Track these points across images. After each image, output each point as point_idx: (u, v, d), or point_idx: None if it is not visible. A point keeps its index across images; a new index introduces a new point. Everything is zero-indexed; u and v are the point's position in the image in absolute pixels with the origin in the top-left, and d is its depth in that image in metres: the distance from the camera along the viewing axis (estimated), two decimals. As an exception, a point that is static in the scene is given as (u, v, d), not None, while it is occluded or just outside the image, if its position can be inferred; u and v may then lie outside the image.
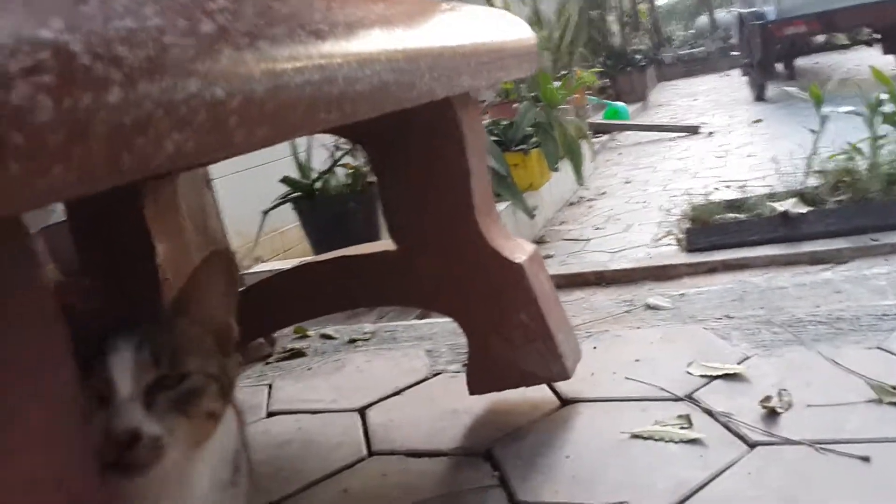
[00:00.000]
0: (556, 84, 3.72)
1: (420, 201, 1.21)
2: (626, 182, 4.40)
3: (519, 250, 1.22)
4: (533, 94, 3.63)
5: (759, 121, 5.55)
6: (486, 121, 3.62)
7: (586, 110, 5.30)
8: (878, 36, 6.92)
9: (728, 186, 3.49)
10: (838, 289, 1.45)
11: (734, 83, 8.14)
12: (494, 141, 3.41)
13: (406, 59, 0.77)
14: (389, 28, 0.77)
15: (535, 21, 4.53)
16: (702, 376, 1.23)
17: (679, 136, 5.57)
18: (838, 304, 1.36)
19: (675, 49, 10.73)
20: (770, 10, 6.58)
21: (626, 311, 1.58)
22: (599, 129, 5.82)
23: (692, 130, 5.56)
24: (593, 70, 5.69)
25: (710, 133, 5.50)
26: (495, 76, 1.07)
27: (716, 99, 7.49)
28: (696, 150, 5.01)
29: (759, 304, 1.47)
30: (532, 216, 3.35)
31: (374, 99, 0.68)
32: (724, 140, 5.15)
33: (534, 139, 3.55)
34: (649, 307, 1.59)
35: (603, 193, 4.22)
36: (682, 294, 1.60)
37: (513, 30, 1.23)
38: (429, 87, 0.82)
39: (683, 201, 3.15)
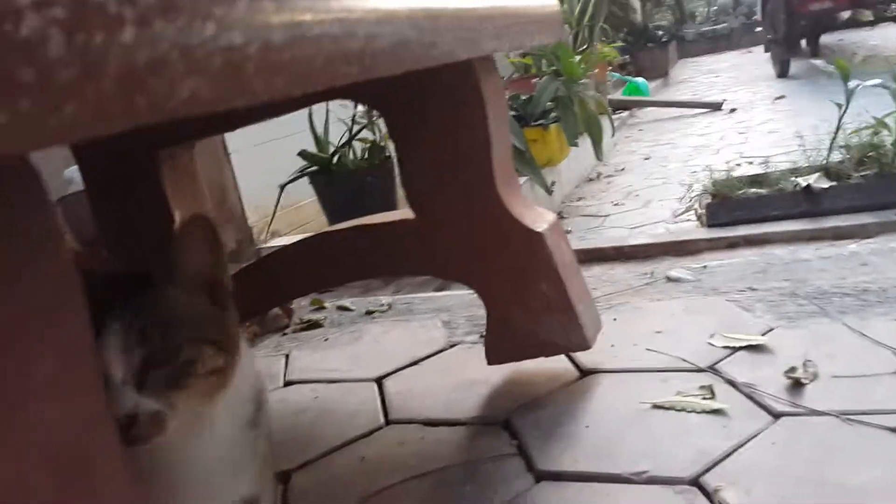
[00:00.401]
0: (577, 59, 3.67)
1: (439, 169, 1.20)
2: (646, 158, 4.35)
3: (540, 219, 1.21)
4: (553, 69, 3.59)
5: (781, 97, 5.46)
6: (507, 95, 3.58)
7: (606, 86, 5.24)
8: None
9: (750, 162, 3.44)
10: (864, 261, 1.43)
11: (757, 60, 8.01)
12: (513, 116, 3.38)
13: (427, 17, 0.75)
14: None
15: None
16: (724, 347, 1.22)
17: (700, 113, 5.50)
18: (864, 276, 1.34)
19: (698, 25, 10.56)
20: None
21: (647, 284, 1.57)
22: (619, 106, 5.75)
23: (714, 107, 5.48)
24: (614, 45, 5.61)
25: (732, 109, 5.42)
26: (518, 40, 1.05)
27: (738, 75, 7.38)
28: (718, 126, 4.94)
29: (783, 276, 1.44)
30: (550, 192, 3.32)
31: (394, 56, 0.67)
32: (745, 116, 5.07)
33: (553, 114, 3.51)
34: (670, 279, 1.57)
35: (622, 169, 4.18)
36: (704, 266, 1.58)
37: None
38: (450, 48, 0.81)
39: (704, 176, 3.11)
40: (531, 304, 1.17)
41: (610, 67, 5.93)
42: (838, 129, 2.65)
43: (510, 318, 1.20)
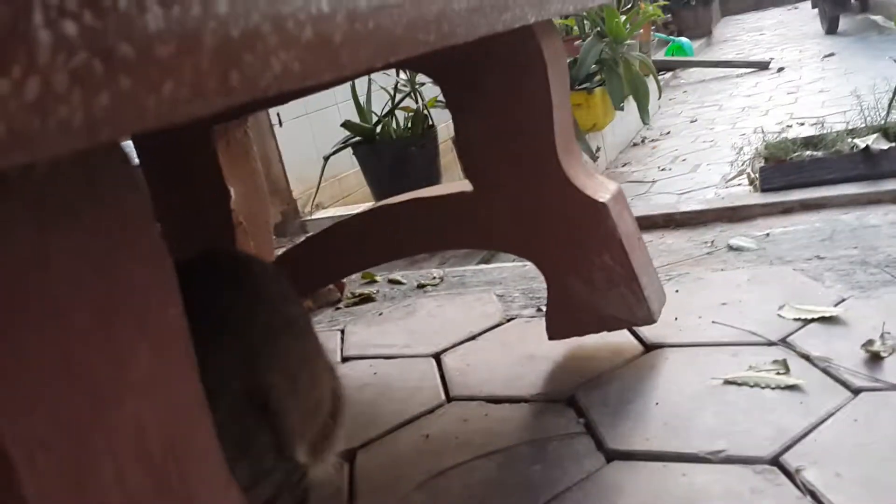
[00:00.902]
0: (622, 19, 3.58)
1: (499, 138, 1.16)
2: (692, 121, 4.26)
3: (602, 189, 1.17)
4: (597, 30, 3.50)
5: (831, 55, 5.28)
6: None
7: (651, 47, 5.11)
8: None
9: (801, 124, 3.33)
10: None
11: (804, 16, 7.76)
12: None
13: None
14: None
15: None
16: (795, 319, 1.17)
17: (747, 73, 5.35)
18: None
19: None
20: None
21: (708, 253, 1.52)
22: (663, 66, 5.62)
23: (761, 66, 5.33)
24: (660, 2, 5.48)
25: (780, 69, 5.26)
26: (583, 3, 1.01)
27: (784, 33, 7.16)
28: (765, 86, 4.80)
29: (852, 243, 1.39)
30: (595, 158, 3.26)
31: (469, 21, 0.64)
32: (794, 76, 4.92)
33: (598, 77, 3.44)
34: (732, 248, 1.53)
35: (668, 133, 4.09)
36: (767, 234, 1.52)
37: None
38: (521, 11, 0.77)
39: (755, 139, 3.02)
40: (594, 277, 1.14)
41: (654, 27, 5.79)
42: (888, 89, 2.55)
43: (572, 291, 1.17)
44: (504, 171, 1.17)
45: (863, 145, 2.46)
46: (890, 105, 2.57)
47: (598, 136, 3.50)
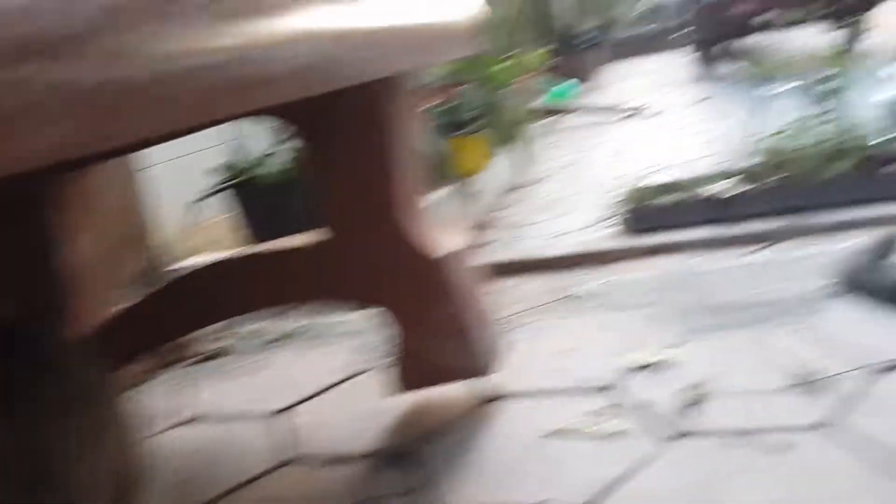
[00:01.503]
0: (503, 65, 3.68)
1: (342, 192, 1.17)
2: (570, 164, 4.38)
3: (443, 242, 1.19)
4: (479, 76, 3.59)
5: (705, 99, 5.57)
6: (431, 103, 3.57)
7: (533, 92, 5.27)
8: (827, 14, 7.01)
9: (671, 167, 3.49)
10: (768, 272, 1.45)
11: (683, 62, 8.18)
12: (437, 124, 3.36)
13: (332, 40, 0.73)
14: (313, 8, 0.72)
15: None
16: (628, 367, 1.22)
17: (626, 116, 5.58)
18: (767, 287, 1.36)
19: (627, 28, 10.73)
20: (717, -11, 6.61)
21: (558, 300, 1.57)
22: (546, 111, 5.79)
23: (638, 111, 5.57)
24: (542, 50, 5.66)
25: (657, 113, 5.51)
26: (428, 58, 1.04)
27: (664, 78, 7.51)
28: (642, 130, 5.02)
29: (691, 288, 1.46)
30: (473, 202, 3.32)
31: (294, 81, 0.64)
32: (670, 119, 5.16)
33: (478, 122, 3.51)
34: (581, 295, 1.58)
35: (546, 177, 4.20)
36: (615, 280, 1.58)
37: (454, 9, 1.18)
38: (356, 70, 0.79)
39: (624, 183, 3.14)
40: (432, 329, 1.16)
41: (538, 72, 5.97)
42: (753, 134, 2.71)
43: (415, 344, 1.18)
44: (348, 223, 1.18)
45: (720, 189, 2.60)
46: (745, 151, 2.73)
47: (479, 179, 3.56)
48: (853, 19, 6.66)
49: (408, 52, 0.99)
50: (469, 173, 3.51)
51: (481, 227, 3.37)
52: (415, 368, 1.19)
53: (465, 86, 3.59)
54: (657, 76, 7.72)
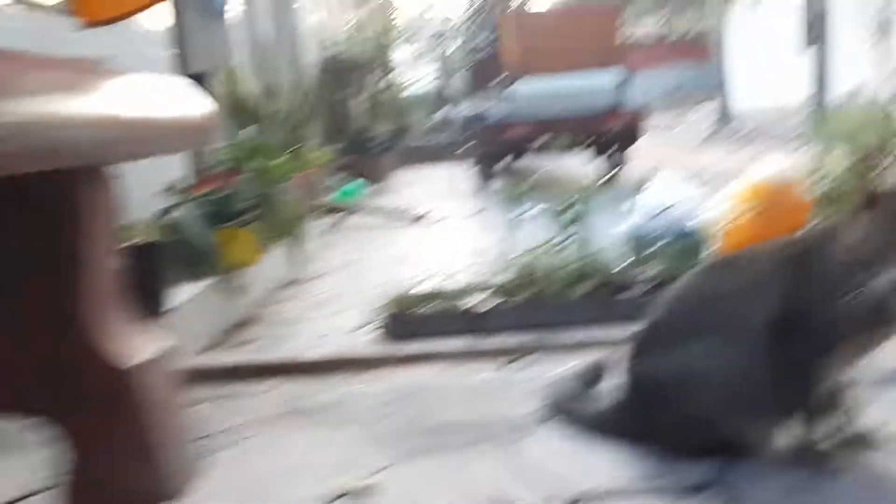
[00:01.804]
0: (282, 159, 3.65)
1: (23, 292, 1.04)
2: (349, 264, 4.40)
3: (138, 351, 1.08)
4: (255, 167, 3.53)
5: (479, 212, 5.86)
6: (201, 190, 3.44)
7: (317, 188, 5.28)
8: (591, 142, 7.73)
9: (439, 275, 3.58)
10: (489, 393, 1.48)
11: (467, 174, 8.63)
12: (207, 213, 3.24)
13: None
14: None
15: (269, 93, 4.46)
16: (334, 493, 1.16)
17: (407, 222, 5.73)
18: (484, 409, 1.38)
19: (417, 137, 11.23)
20: (496, 111, 7.11)
21: (284, 413, 1.49)
22: (331, 209, 5.83)
23: (418, 217, 5.75)
24: (330, 148, 5.73)
25: (438, 220, 5.72)
26: (133, 150, 0.96)
27: (448, 187, 7.87)
28: (420, 236, 5.17)
29: (413, 406, 1.45)
30: (238, 297, 3.19)
31: None
32: (447, 228, 5.37)
33: (251, 213, 3.43)
34: (313, 407, 1.52)
35: (323, 274, 4.17)
36: (346, 393, 1.54)
37: (178, 104, 1.13)
38: (40, 155, 0.70)
39: (394, 288, 3.16)
40: (114, 448, 1.04)
41: (324, 170, 6.01)
42: (509, 250, 2.85)
43: (93, 463, 1.05)
44: (27, 327, 1.04)
45: (477, 302, 2.69)
46: (500, 266, 2.86)
47: (249, 273, 3.45)
48: (615, 150, 7.42)
49: (115, 143, 0.92)
50: (238, 266, 3.39)
51: (246, 324, 3.24)
52: (94, 490, 1.06)
53: (241, 176, 3.52)
54: (442, 185, 8.09)
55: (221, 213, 3.32)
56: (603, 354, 1.53)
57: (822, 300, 1.16)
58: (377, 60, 9.97)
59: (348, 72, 8.98)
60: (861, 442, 1.26)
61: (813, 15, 10.40)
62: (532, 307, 2.64)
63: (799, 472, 1.18)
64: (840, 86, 8.31)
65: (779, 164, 3.15)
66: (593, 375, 1.48)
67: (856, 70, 8.75)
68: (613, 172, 7.51)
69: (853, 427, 1.28)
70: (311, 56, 8.30)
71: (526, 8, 11.34)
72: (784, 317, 1.19)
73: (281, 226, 3.58)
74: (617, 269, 2.83)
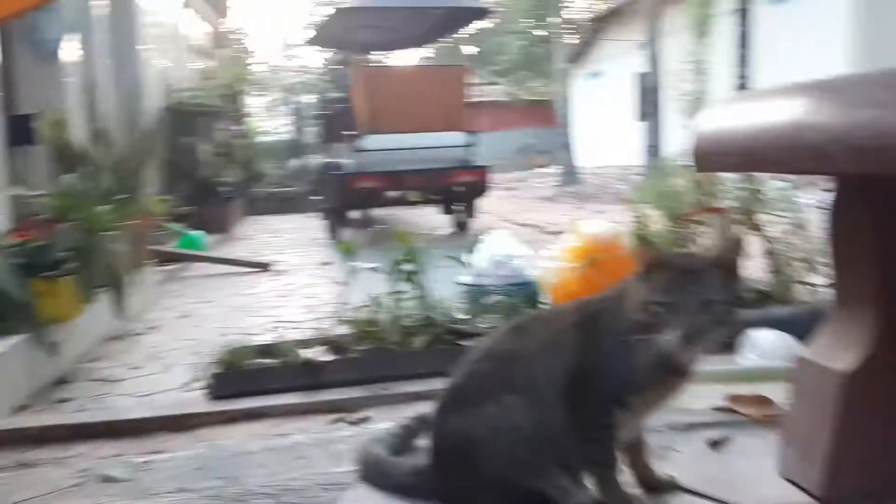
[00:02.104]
0: (108, 207, 3.46)
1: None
2: (183, 316, 4.20)
3: None
4: (75, 217, 3.31)
5: (328, 263, 5.80)
6: (19, 238, 3.18)
7: (152, 237, 5.04)
8: (439, 197, 7.88)
9: (275, 328, 3.49)
10: (302, 454, 1.43)
11: (316, 225, 8.55)
12: (21, 263, 3.00)
13: None
14: None
15: (100, 138, 4.23)
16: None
17: (251, 272, 5.58)
18: (295, 471, 1.33)
19: (268, 186, 11.03)
20: (348, 163, 7.12)
21: (83, 483, 1.37)
22: (171, 258, 5.59)
23: (263, 267, 5.61)
24: (170, 196, 5.52)
25: (282, 271, 5.60)
26: None
27: (296, 238, 7.76)
28: (264, 287, 5.04)
29: (221, 473, 1.37)
30: (54, 353, 2.95)
31: None
32: (292, 280, 5.27)
33: (70, 265, 3.20)
34: (112, 477, 1.40)
35: (155, 327, 3.96)
36: (147, 462, 1.44)
37: None
38: None
39: (228, 342, 3.04)
40: None
41: (163, 218, 5.76)
42: (341, 304, 2.81)
43: None
44: None
45: (309, 356, 2.62)
46: (336, 320, 2.82)
47: (68, 327, 3.21)
48: (462, 205, 7.60)
49: None
50: (55, 320, 3.15)
51: (63, 383, 3.00)
52: None
53: (61, 225, 3.29)
54: (291, 236, 7.96)
55: (37, 264, 3.09)
56: (423, 411, 1.52)
57: (611, 357, 1.21)
58: (227, 108, 9.77)
59: (195, 118, 8.72)
60: (662, 489, 1.32)
61: (644, 89, 11.22)
62: (371, 360, 2.61)
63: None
64: (668, 152, 8.98)
65: (607, 221, 3.32)
66: (409, 434, 1.46)
67: (683, 139, 9.50)
68: (460, 226, 7.68)
69: (652, 475, 1.33)
70: (155, 102, 8.02)
71: (378, 64, 11.52)
72: (577, 374, 1.23)
73: (106, 277, 3.37)
74: (456, 320, 2.86)
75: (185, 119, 8.52)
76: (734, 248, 1.21)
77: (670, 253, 1.25)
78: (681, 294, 1.15)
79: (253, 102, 16.17)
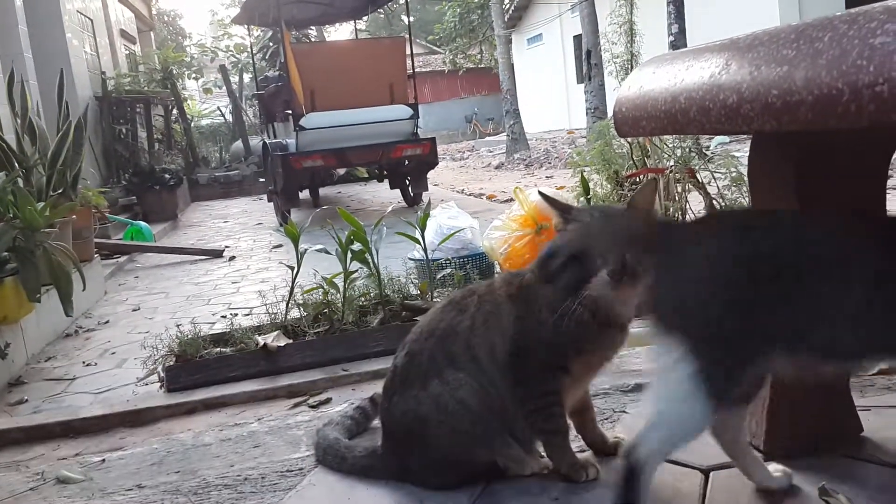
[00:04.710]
0: (41, 205, 3.36)
1: None
2: (135, 309, 4.15)
3: None
4: (10, 216, 3.22)
5: (279, 246, 5.75)
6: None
7: (96, 230, 4.93)
8: (387, 172, 7.84)
9: (235, 314, 3.47)
10: (258, 442, 1.43)
11: (265, 207, 8.45)
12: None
13: None
14: None
15: (29, 133, 4.10)
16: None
17: (201, 260, 5.51)
18: (252, 461, 1.33)
19: (211, 170, 10.84)
20: (291, 143, 7.03)
21: (40, 486, 1.36)
22: (117, 250, 5.49)
23: (215, 254, 5.54)
24: (110, 188, 5.39)
25: (232, 257, 5.54)
26: None
27: (246, 222, 7.66)
28: (216, 274, 4.98)
29: (177, 467, 1.37)
30: (3, 355, 2.90)
31: None
32: (243, 265, 5.22)
33: (10, 265, 3.12)
34: (69, 478, 1.39)
35: (107, 322, 3.90)
36: (103, 461, 1.43)
37: None
38: None
39: (178, 333, 3.01)
40: None
41: (107, 210, 5.65)
42: (293, 288, 2.79)
43: None
44: None
45: (262, 342, 2.61)
46: (287, 304, 2.80)
47: (15, 328, 3.15)
48: (411, 179, 7.58)
49: None
50: (3, 322, 3.09)
51: (16, 384, 2.95)
52: None
53: (-3, 225, 3.20)
54: (239, 220, 7.86)
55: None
56: (376, 392, 1.53)
57: (547, 323, 1.23)
58: (164, 93, 9.55)
59: (131, 105, 8.51)
60: (613, 452, 1.35)
61: (585, 52, 11.24)
62: (327, 341, 2.61)
63: (554, 487, 1.23)
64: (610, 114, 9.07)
65: (554, 187, 3.36)
66: (363, 415, 1.48)
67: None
68: (410, 200, 7.67)
69: (603, 439, 1.37)
70: (87, 91, 7.79)
71: (314, 39, 11.33)
72: (517, 345, 1.25)
73: (50, 275, 3.29)
74: (410, 296, 2.87)
75: (120, 107, 8.32)
76: (648, 191, 1.23)
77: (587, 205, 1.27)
78: (602, 237, 1.17)
79: (191, 86, 15.82)
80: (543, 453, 1.29)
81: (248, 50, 12.39)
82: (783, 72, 0.92)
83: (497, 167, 12.40)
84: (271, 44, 11.55)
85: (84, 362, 3.18)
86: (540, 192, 1.25)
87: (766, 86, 0.94)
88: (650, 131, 1.20)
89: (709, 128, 1.11)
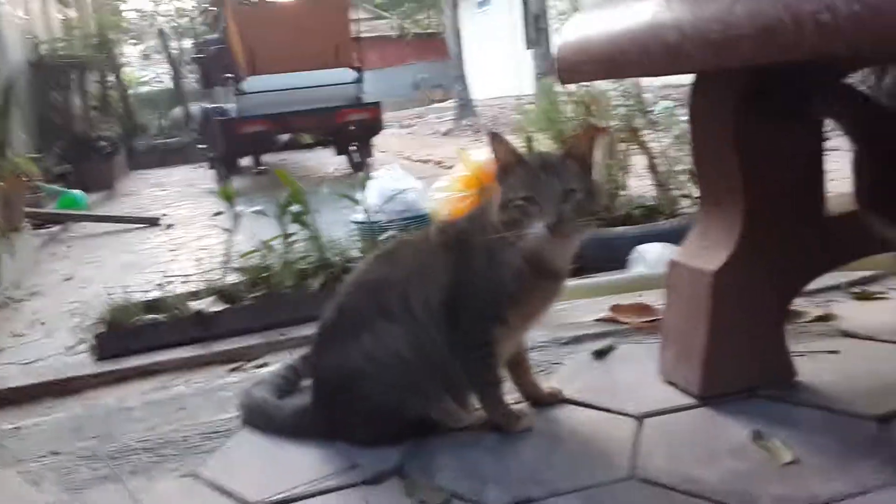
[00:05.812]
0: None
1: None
2: (67, 279, 4.01)
3: None
4: (-71, 182, 3.07)
5: (220, 213, 5.60)
6: None
7: (26, 199, 4.75)
8: (331, 138, 7.71)
9: (164, 283, 3.37)
10: (184, 405, 1.38)
11: (205, 174, 8.26)
12: None
13: None
14: None
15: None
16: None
17: (138, 228, 5.35)
18: (175, 423, 1.28)
19: (150, 138, 10.53)
20: (231, 108, 6.85)
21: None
22: (51, 219, 5.31)
23: (151, 222, 5.39)
24: (42, 155, 5.19)
25: (170, 225, 5.40)
26: None
27: (185, 189, 7.47)
28: (153, 242, 4.85)
29: (96, 432, 1.31)
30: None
31: None
32: (182, 232, 5.09)
33: (-69, 234, 2.98)
34: (-16, 447, 1.32)
35: (36, 293, 3.76)
36: (18, 427, 1.36)
37: None
38: None
39: (114, 301, 2.91)
40: None
41: (39, 178, 5.43)
42: (229, 251, 2.71)
43: None
44: None
45: (203, 307, 2.53)
46: (224, 268, 2.72)
47: (-64, 299, 3.01)
48: (356, 144, 7.47)
49: None
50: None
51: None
52: None
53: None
54: (179, 188, 7.66)
55: None
56: (304, 351, 1.49)
57: (481, 272, 1.20)
58: (100, 58, 9.21)
59: (65, 71, 8.19)
60: (547, 403, 1.34)
61: (533, 16, 11.19)
62: (265, 306, 2.55)
63: (487, 438, 1.21)
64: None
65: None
66: (294, 374, 1.43)
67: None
68: (356, 166, 7.56)
69: (538, 390, 1.35)
70: (18, 55, 7.46)
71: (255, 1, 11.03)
72: (451, 295, 1.22)
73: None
74: (351, 259, 2.81)
75: (53, 73, 8.00)
76: (586, 140, 1.21)
77: (524, 152, 1.24)
78: (539, 187, 1.14)
79: (128, 51, 15.30)
80: (478, 406, 1.26)
81: (188, 13, 12.04)
82: (725, 5, 0.90)
83: (445, 134, 12.32)
84: (211, 7, 11.21)
85: (12, 333, 3.07)
86: (492, 133, 1.21)
87: (708, 21, 0.92)
88: (592, 75, 1.17)
89: (650, 69, 1.08)
